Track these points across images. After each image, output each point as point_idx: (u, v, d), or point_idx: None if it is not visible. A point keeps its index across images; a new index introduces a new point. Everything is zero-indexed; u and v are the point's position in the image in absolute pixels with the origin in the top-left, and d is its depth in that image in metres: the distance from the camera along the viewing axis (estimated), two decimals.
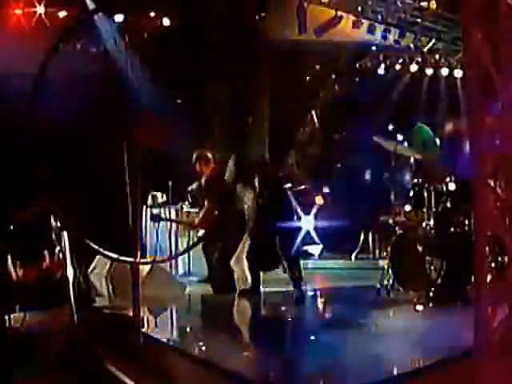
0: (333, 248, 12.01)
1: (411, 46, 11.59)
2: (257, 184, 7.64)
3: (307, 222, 11.92)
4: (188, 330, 6.31)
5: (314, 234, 12.00)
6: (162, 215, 9.33)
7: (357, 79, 12.76)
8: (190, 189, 9.40)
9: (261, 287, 7.64)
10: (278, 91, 12.37)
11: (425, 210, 6.87)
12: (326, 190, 12.19)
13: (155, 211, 9.27)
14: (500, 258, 4.81)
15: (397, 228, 7.28)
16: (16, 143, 5.38)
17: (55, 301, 5.97)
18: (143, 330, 5.25)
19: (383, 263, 7.42)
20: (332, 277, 10.05)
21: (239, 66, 10.00)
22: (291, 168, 10.33)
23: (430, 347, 4.64)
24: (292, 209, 7.84)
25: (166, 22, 10.49)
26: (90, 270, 8.40)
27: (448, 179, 6.81)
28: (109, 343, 5.20)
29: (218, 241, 7.99)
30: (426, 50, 11.98)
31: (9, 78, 8.42)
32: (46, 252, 7.11)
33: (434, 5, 10.50)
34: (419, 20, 11.00)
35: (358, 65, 12.78)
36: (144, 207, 8.09)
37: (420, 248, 6.73)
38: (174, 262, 9.20)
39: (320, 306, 7.82)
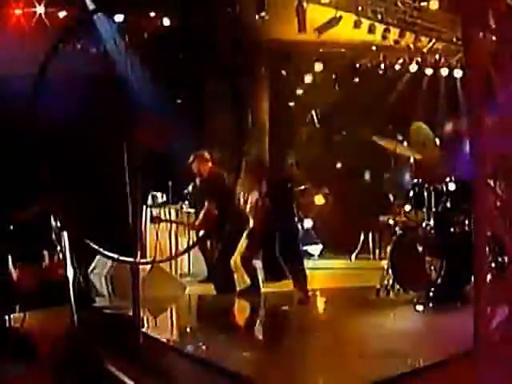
0: (333, 248, 12.02)
1: (411, 46, 11.60)
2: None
3: (307, 222, 11.96)
4: (188, 329, 6.31)
5: (313, 233, 12.03)
6: (162, 215, 9.33)
7: (357, 79, 12.75)
8: (186, 192, 9.42)
9: (261, 287, 7.64)
10: (278, 91, 12.39)
11: (425, 209, 6.88)
12: (325, 190, 12.21)
13: (155, 211, 9.27)
14: (500, 258, 4.81)
15: (397, 228, 7.28)
16: (16, 143, 5.38)
17: (55, 301, 5.96)
18: (143, 329, 5.24)
19: (383, 263, 7.42)
20: (332, 277, 10.05)
21: (239, 65, 10.00)
22: (291, 168, 10.35)
23: (429, 347, 4.64)
24: (293, 209, 7.85)
25: (166, 21, 10.49)
26: (90, 269, 8.41)
27: (448, 179, 6.82)
28: (109, 343, 5.20)
29: (218, 241, 8.00)
30: (425, 50, 11.99)
31: (9, 79, 8.42)
32: (45, 252, 7.12)
33: (434, 5, 10.51)
34: (419, 20, 11.01)
35: (357, 65, 12.78)
36: (144, 207, 8.09)
37: (420, 248, 6.73)
38: (173, 261, 9.20)
39: (320, 305, 7.82)
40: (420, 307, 6.36)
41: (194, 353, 4.91)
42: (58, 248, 6.25)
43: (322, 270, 10.48)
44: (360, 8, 10.60)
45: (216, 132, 11.31)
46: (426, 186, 6.88)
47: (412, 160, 7.30)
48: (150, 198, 9.68)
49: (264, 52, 11.67)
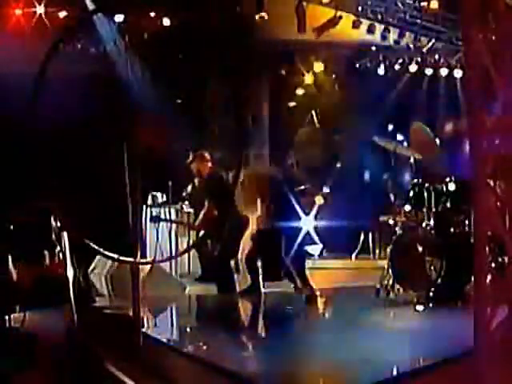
0: (333, 248, 12.02)
1: (411, 45, 11.60)
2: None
3: (307, 222, 11.94)
4: (188, 329, 6.31)
5: (313, 234, 12.02)
6: (162, 215, 9.34)
7: (356, 79, 12.75)
8: (184, 193, 9.42)
9: (261, 287, 7.65)
10: (278, 91, 12.39)
11: (425, 210, 6.88)
12: (326, 189, 12.19)
13: (155, 211, 9.28)
14: (500, 258, 4.82)
15: (397, 228, 7.28)
16: (16, 143, 5.38)
17: (55, 301, 5.96)
18: (143, 329, 5.24)
19: (383, 263, 7.42)
20: (332, 277, 10.05)
21: (239, 65, 10.00)
22: (291, 168, 10.36)
23: (429, 347, 4.64)
24: (294, 210, 7.86)
25: (166, 21, 10.49)
26: (89, 269, 8.41)
27: (448, 179, 6.82)
28: (109, 343, 5.20)
29: (218, 241, 8.00)
30: (425, 50, 11.99)
31: (9, 78, 8.41)
32: (46, 252, 7.12)
33: (434, 5, 10.51)
34: (419, 20, 11.02)
35: (357, 65, 12.79)
36: (144, 207, 8.09)
37: (420, 248, 6.73)
38: (173, 261, 9.20)
39: (320, 306, 7.81)
40: (420, 307, 6.36)
41: (193, 353, 4.90)
42: (58, 248, 6.26)
43: (322, 270, 10.47)
44: (360, 8, 10.61)
45: (216, 132, 11.33)
46: (426, 185, 6.88)
47: (412, 160, 7.30)
48: (149, 197, 9.69)
49: (264, 52, 11.67)
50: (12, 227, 6.58)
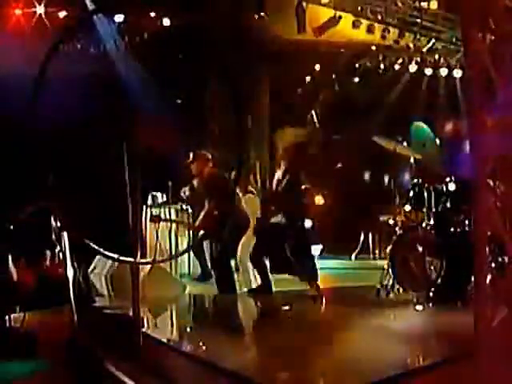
0: (333, 248, 12.02)
1: (410, 45, 11.61)
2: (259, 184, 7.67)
3: (307, 222, 11.94)
4: (188, 329, 6.31)
5: (313, 233, 12.01)
6: (162, 215, 9.33)
7: (356, 79, 12.76)
8: (183, 194, 9.41)
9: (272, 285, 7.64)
10: (278, 91, 12.39)
11: (425, 210, 6.88)
12: (326, 190, 12.19)
13: (155, 211, 9.27)
14: (500, 258, 4.82)
15: (397, 228, 7.28)
16: (16, 143, 5.38)
17: (55, 301, 5.96)
18: (143, 329, 5.24)
19: (383, 263, 7.42)
20: (332, 277, 10.04)
21: (239, 65, 10.00)
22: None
23: (429, 347, 4.64)
24: (299, 208, 7.86)
25: (166, 22, 10.49)
26: (90, 269, 8.40)
27: (448, 179, 6.82)
28: (109, 343, 5.20)
29: (218, 241, 8.00)
30: (425, 49, 12.00)
31: (9, 78, 8.41)
32: (46, 252, 7.11)
33: (434, 5, 10.52)
34: (419, 20, 11.02)
35: (357, 65, 12.79)
36: (144, 207, 8.09)
37: (420, 248, 6.73)
38: (173, 261, 9.20)
39: (323, 305, 7.81)
40: (420, 307, 6.36)
41: (193, 353, 4.90)
42: (58, 248, 6.26)
43: (322, 270, 10.46)
44: (359, 8, 10.61)
45: (216, 132, 11.32)
46: (426, 185, 6.88)
47: (412, 160, 7.30)
48: (149, 197, 9.68)
49: (264, 52, 11.67)
50: (12, 227, 6.57)
